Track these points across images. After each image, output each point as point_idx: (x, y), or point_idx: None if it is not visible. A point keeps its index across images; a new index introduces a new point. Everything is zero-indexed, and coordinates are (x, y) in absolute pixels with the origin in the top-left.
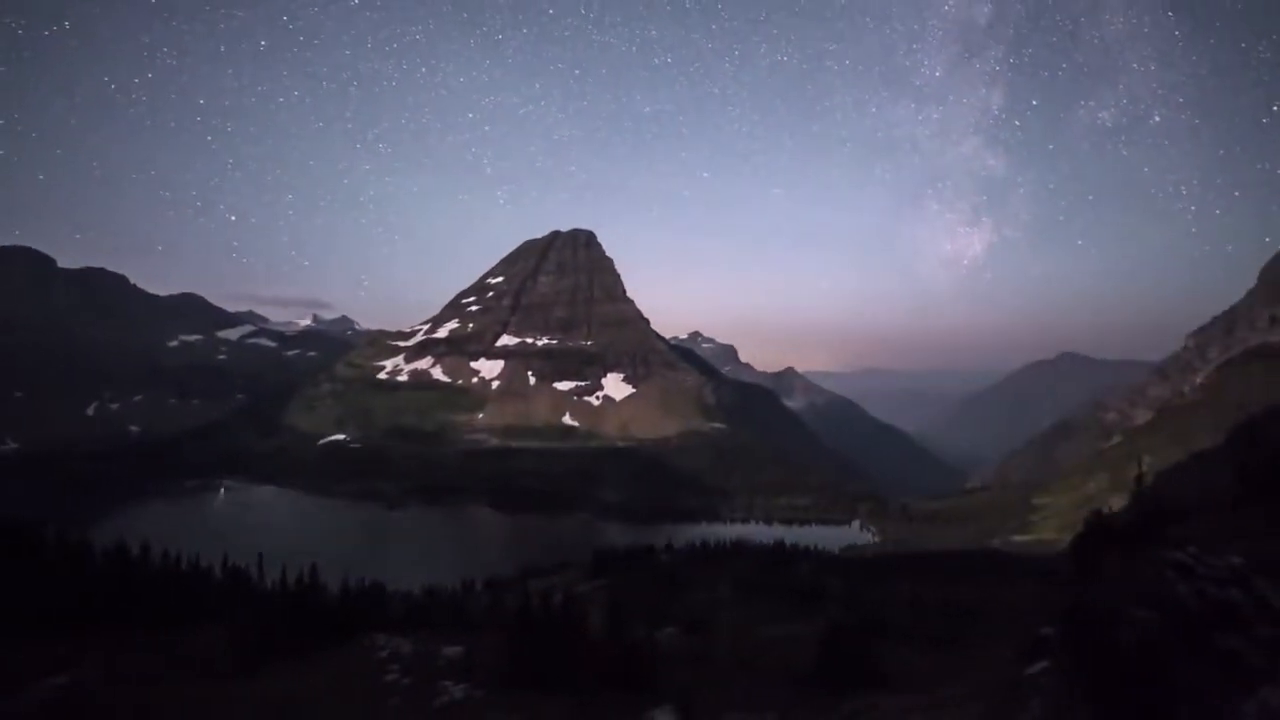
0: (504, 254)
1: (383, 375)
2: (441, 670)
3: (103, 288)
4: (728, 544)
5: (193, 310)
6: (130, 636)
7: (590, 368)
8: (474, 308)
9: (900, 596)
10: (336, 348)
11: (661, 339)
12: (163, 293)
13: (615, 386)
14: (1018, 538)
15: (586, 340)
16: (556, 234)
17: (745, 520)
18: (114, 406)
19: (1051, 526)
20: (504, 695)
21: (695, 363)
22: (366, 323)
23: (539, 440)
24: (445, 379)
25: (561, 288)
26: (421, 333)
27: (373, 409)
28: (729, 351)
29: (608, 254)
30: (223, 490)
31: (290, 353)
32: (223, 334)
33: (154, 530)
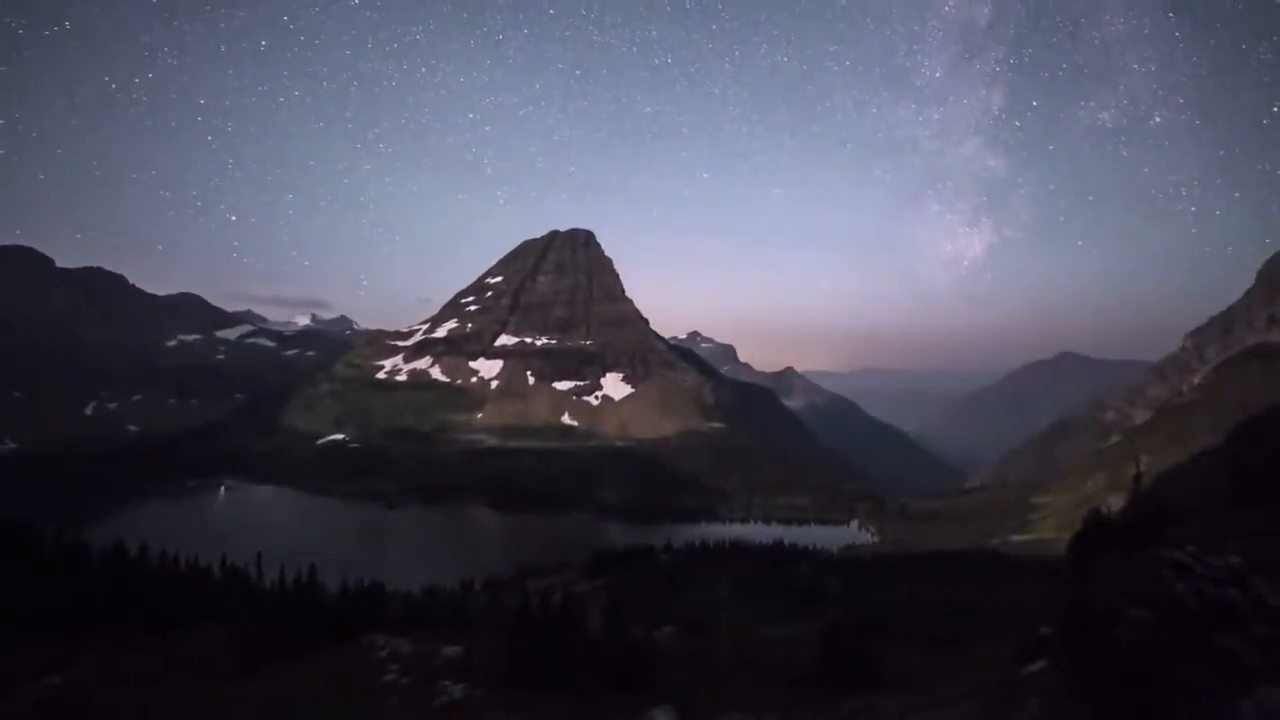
0: (503, 254)
1: (381, 375)
2: (440, 670)
3: (101, 287)
4: (726, 544)
5: (191, 310)
6: (128, 636)
7: (589, 367)
8: (473, 307)
9: (899, 596)
10: (335, 347)
11: (660, 339)
12: (161, 292)
13: (614, 386)
14: (1016, 537)
15: (585, 340)
16: (555, 234)
17: (744, 520)
18: (112, 406)
19: (1050, 526)
20: (503, 695)
21: (694, 362)
22: (365, 322)
23: (538, 440)
24: (444, 379)
25: (560, 287)
26: (420, 332)
27: (371, 409)
28: (728, 351)
29: (607, 254)
30: (223, 489)
31: (289, 352)
32: (221, 334)
33: (152, 530)
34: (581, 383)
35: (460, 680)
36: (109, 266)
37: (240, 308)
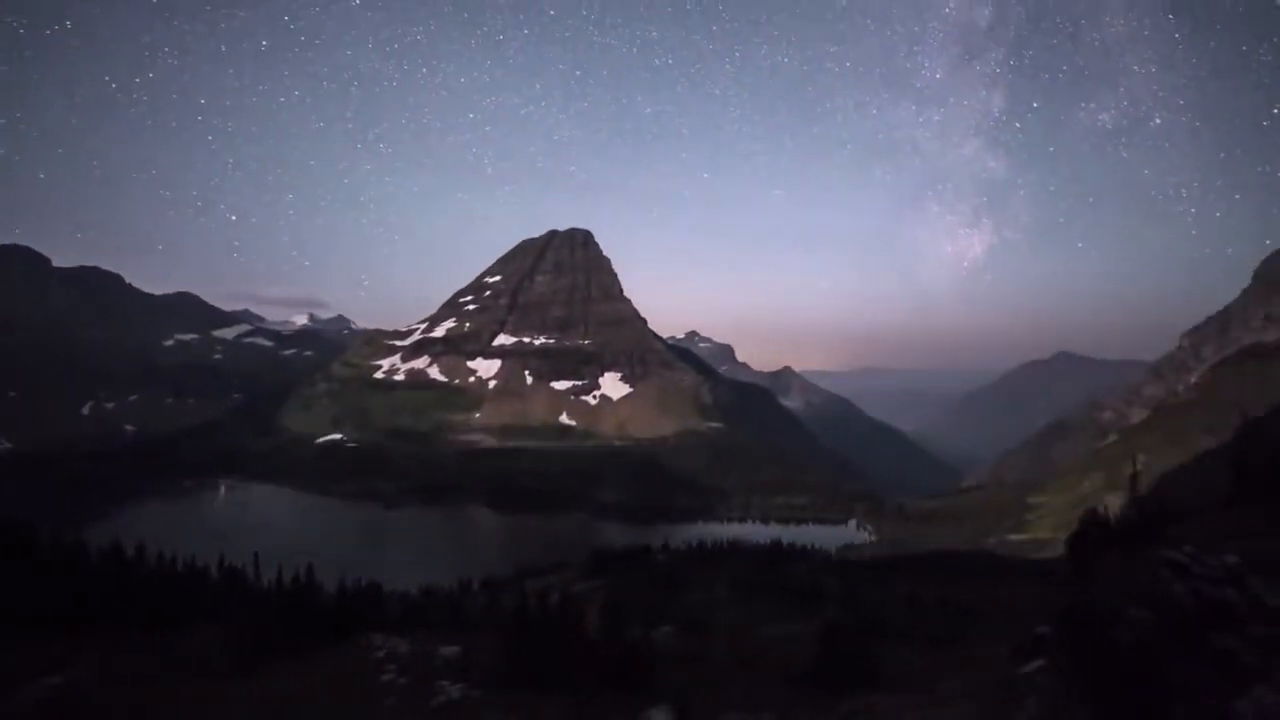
0: (502, 254)
1: (379, 375)
2: (438, 670)
3: (98, 287)
4: (724, 544)
5: (188, 309)
6: (126, 636)
7: (587, 367)
8: (471, 307)
9: (898, 596)
10: (333, 347)
11: (659, 338)
12: (158, 292)
13: (612, 386)
14: (1013, 537)
15: (584, 340)
16: (554, 233)
17: (742, 520)
18: (109, 406)
19: (1047, 525)
20: (501, 695)
21: (692, 362)
22: (364, 322)
23: (536, 440)
24: (442, 378)
25: (559, 287)
26: (418, 332)
27: (369, 408)
28: (726, 351)
29: (605, 254)
30: (223, 488)
31: (286, 352)
32: (218, 333)
33: (150, 530)
34: (579, 382)
35: (458, 680)
36: (106, 266)
37: (238, 307)
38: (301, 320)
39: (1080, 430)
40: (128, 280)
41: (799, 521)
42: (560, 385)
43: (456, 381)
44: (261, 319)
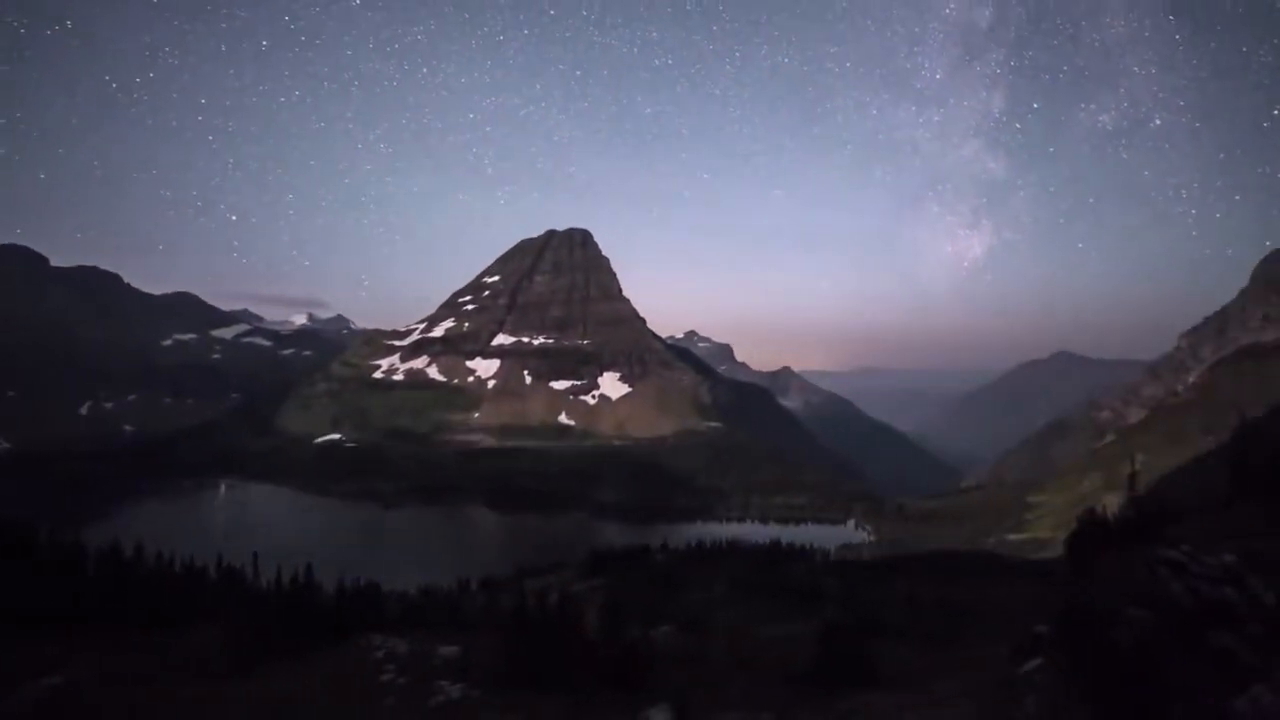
0: (501, 254)
1: (378, 374)
2: (437, 670)
3: (96, 287)
4: (723, 543)
5: (187, 309)
6: (124, 636)
7: (586, 367)
8: (470, 307)
9: (897, 596)
10: (332, 347)
11: (658, 338)
12: (157, 291)
13: (611, 386)
14: (1012, 536)
15: (582, 339)
16: (553, 233)
17: (741, 519)
18: (108, 406)
19: (1046, 525)
20: (500, 695)
21: (691, 362)
22: (363, 322)
23: (535, 440)
24: (441, 378)
25: (557, 287)
26: (417, 332)
27: (368, 408)
28: (725, 351)
29: (604, 253)
30: (223, 488)
31: (285, 352)
32: (217, 333)
33: (148, 530)
34: (578, 382)
35: (457, 680)
36: (105, 266)
37: (236, 307)
38: (300, 320)
39: (1079, 430)
40: (126, 280)
41: (798, 521)
42: (559, 385)
43: (455, 381)
44: (260, 319)
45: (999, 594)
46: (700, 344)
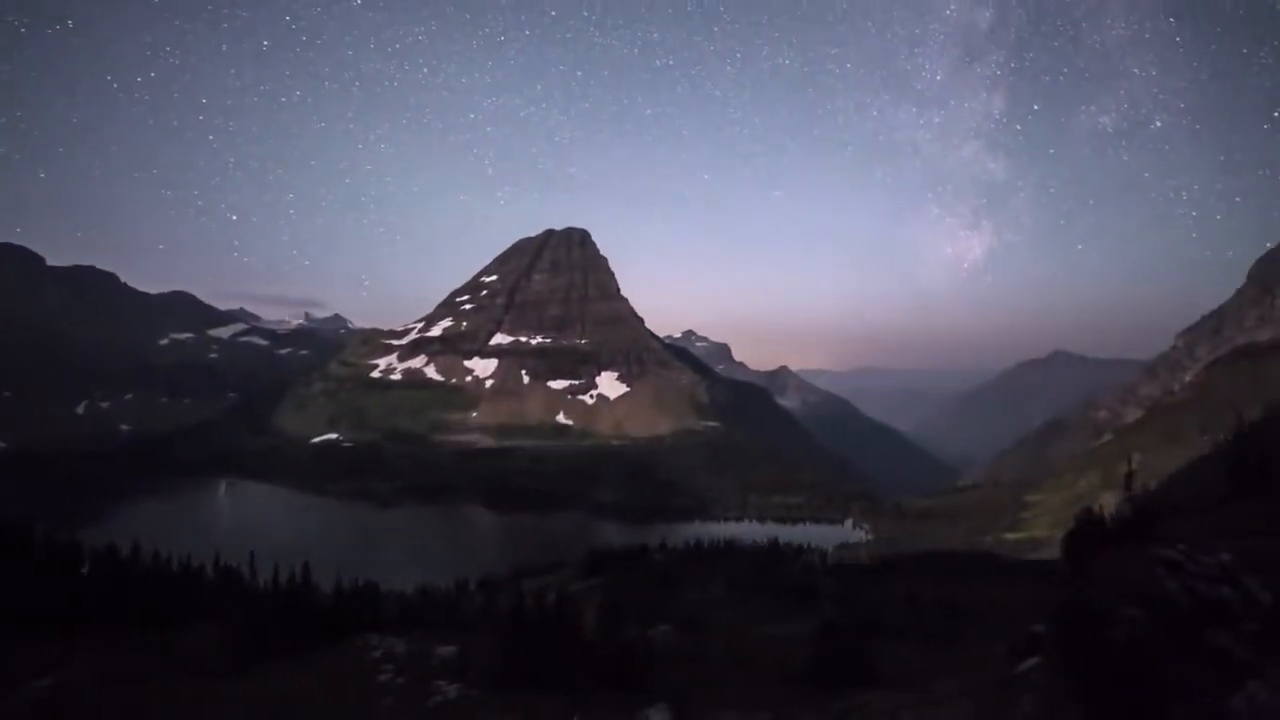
0: (499, 253)
1: (376, 374)
2: (435, 670)
3: (92, 286)
4: (721, 543)
5: (184, 308)
6: (121, 636)
7: (584, 366)
8: (467, 306)
9: (895, 595)
10: (329, 346)
11: (655, 338)
12: (153, 291)
13: (609, 385)
14: (1009, 535)
15: (580, 339)
16: (551, 232)
17: (738, 519)
18: (104, 405)
19: (1043, 524)
20: (498, 695)
21: (689, 361)
22: (360, 321)
23: (533, 439)
24: (439, 378)
25: (555, 286)
26: (415, 331)
27: (366, 408)
28: (723, 350)
29: (602, 253)
30: (223, 487)
31: (282, 351)
32: (214, 332)
33: (145, 529)
34: (576, 381)
35: (455, 680)
36: (102, 265)
37: (233, 306)
38: (297, 319)
39: (1076, 429)
40: (123, 279)
41: (795, 521)
42: (557, 384)
43: (453, 381)
44: (257, 318)
45: (997, 593)
46: (698, 343)
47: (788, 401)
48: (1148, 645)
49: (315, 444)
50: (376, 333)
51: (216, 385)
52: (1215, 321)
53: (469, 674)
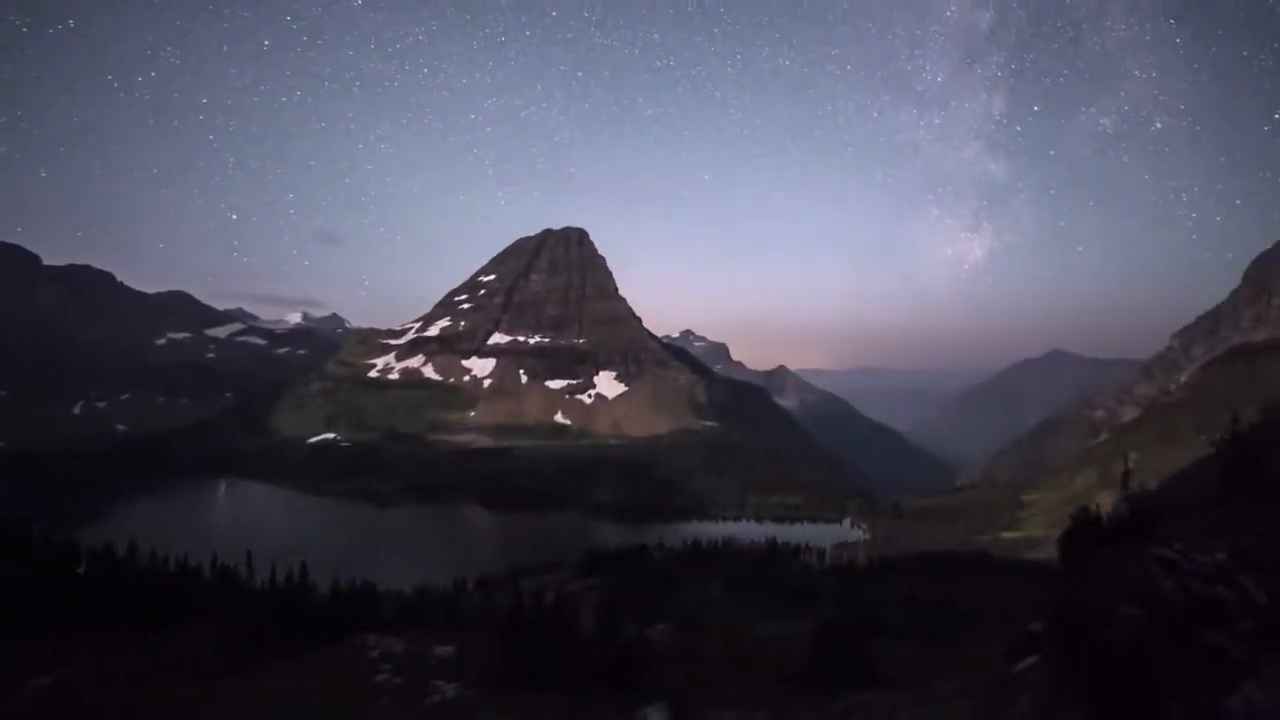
0: (497, 252)
1: (373, 374)
2: (433, 670)
3: (89, 285)
4: (719, 542)
5: (181, 308)
6: (118, 636)
7: (582, 366)
8: (465, 305)
9: (893, 595)
10: (327, 346)
11: (653, 337)
12: (150, 290)
13: (607, 385)
14: (1006, 535)
15: (578, 338)
16: (549, 232)
17: (737, 518)
18: (101, 405)
19: (1040, 523)
20: (496, 694)
21: (687, 361)
22: (358, 321)
23: (531, 439)
24: (436, 377)
25: (553, 286)
26: (413, 331)
27: (363, 407)
28: (720, 350)
29: (600, 252)
30: (223, 487)
31: (280, 351)
32: (211, 332)
33: (142, 529)
34: (574, 381)
35: (453, 680)
36: (99, 265)
37: (231, 306)
38: (295, 319)
39: (1073, 428)
40: (120, 279)
41: (793, 520)
42: (555, 384)
43: (451, 380)
44: (255, 318)
45: (994, 593)
46: (696, 343)
47: (786, 401)
48: (1144, 644)
49: (313, 444)
50: (374, 332)
51: (214, 385)
52: (1211, 321)
53: (467, 673)
